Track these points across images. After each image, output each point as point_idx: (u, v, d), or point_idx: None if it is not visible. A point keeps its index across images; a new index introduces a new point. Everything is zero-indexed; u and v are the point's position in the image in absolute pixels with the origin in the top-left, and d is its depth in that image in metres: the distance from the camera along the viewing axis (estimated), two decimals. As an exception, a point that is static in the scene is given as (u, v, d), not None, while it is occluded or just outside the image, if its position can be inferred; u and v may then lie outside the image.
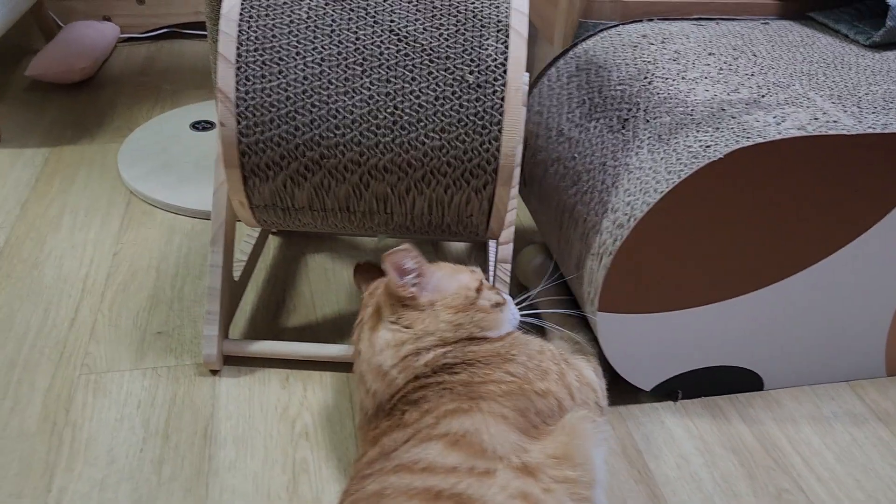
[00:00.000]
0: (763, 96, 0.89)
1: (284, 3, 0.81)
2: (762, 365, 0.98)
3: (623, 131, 0.91)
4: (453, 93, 0.80)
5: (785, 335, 0.96)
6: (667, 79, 0.95)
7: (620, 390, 0.98)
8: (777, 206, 0.84)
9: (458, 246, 1.27)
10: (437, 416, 0.71)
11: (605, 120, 0.95)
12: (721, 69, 0.97)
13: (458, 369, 0.76)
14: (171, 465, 0.87)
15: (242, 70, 0.80)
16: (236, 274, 1.07)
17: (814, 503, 0.86)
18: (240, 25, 0.80)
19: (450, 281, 0.82)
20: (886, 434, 0.96)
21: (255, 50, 0.80)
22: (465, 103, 0.80)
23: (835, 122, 0.83)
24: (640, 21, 1.15)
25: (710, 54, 1.02)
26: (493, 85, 0.80)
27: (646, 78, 0.97)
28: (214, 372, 0.99)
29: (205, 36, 2.06)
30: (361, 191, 0.85)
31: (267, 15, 0.81)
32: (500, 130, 0.81)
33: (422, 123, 0.81)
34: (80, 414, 0.93)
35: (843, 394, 1.02)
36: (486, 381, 0.74)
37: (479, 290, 0.82)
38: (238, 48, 0.80)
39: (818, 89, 0.92)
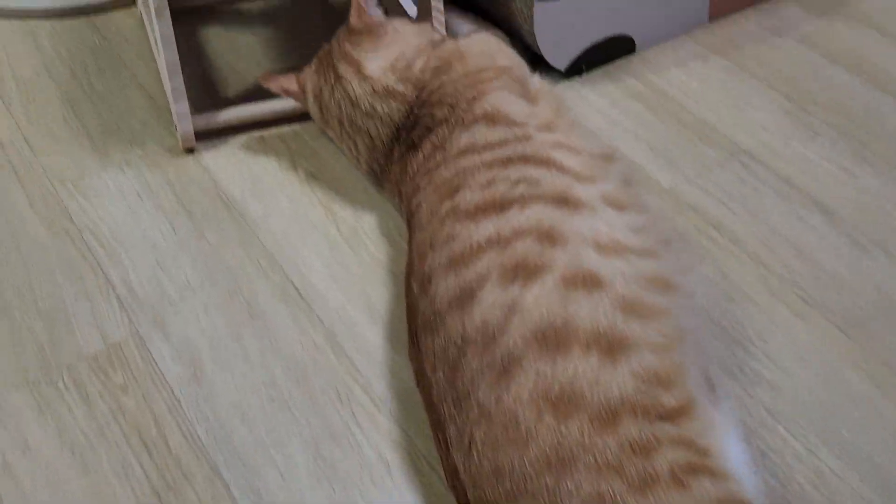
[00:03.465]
0: None
1: None
2: (635, 29, 1.21)
3: None
4: None
5: None
6: None
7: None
8: None
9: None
10: (466, 102, 0.84)
11: None
12: None
13: (446, 69, 0.88)
14: (212, 231, 0.90)
15: None
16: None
17: (701, 118, 1.14)
18: None
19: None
20: (725, 62, 1.26)
21: None
22: None
23: None
24: None
25: None
26: None
27: None
28: (190, 150, 1.00)
29: None
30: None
31: None
32: None
33: None
34: (86, 217, 0.90)
35: (685, 42, 1.29)
36: (477, 70, 0.87)
37: None
38: None
39: None
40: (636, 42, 1.23)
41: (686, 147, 1.09)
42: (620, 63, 1.23)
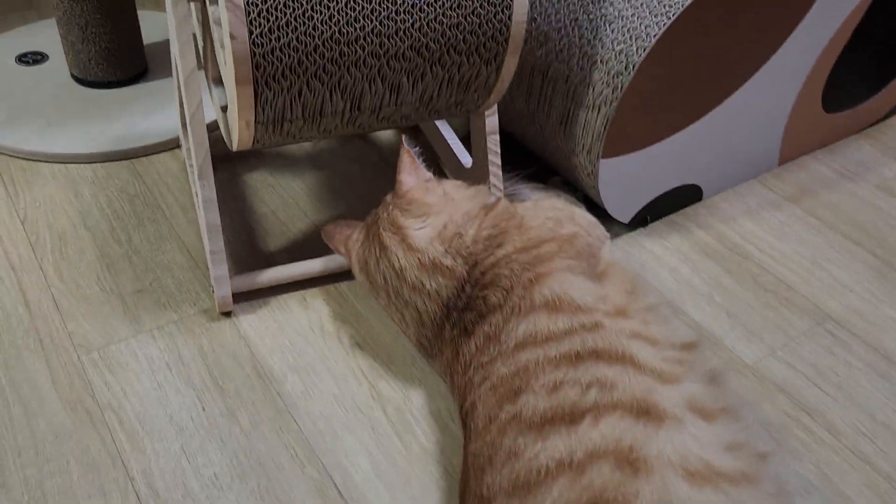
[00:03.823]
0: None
1: None
2: (703, 178, 1.13)
3: (585, -15, 0.95)
4: (465, -34, 0.78)
5: (719, 147, 1.11)
6: (604, -72, 1.00)
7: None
8: (731, 30, 0.95)
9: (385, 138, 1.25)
10: (523, 287, 0.75)
11: (558, -23, 0.98)
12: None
13: (501, 240, 0.80)
14: (245, 413, 0.82)
15: (247, -29, 0.71)
16: (197, 209, 0.98)
17: (780, 278, 1.04)
18: (232, -81, 0.70)
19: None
20: (799, 211, 1.17)
21: (258, -55, 0.71)
22: (477, -25, 0.79)
23: (766, -52, 0.94)
24: None
25: None
26: (502, -48, 0.79)
27: (582, -70, 1.00)
28: (227, 314, 0.93)
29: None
30: (377, 85, 0.82)
31: None
32: (511, -1, 0.81)
33: (439, 2, 0.79)
34: (110, 395, 0.83)
35: (756, 188, 1.21)
36: (536, 243, 0.79)
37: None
38: (237, -54, 0.70)
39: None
40: (703, 190, 1.15)
41: (766, 313, 0.98)
42: (687, 212, 1.15)
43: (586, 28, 0.93)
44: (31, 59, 1.31)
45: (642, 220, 1.11)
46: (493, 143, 0.98)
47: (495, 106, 0.96)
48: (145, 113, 1.21)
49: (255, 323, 0.92)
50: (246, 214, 1.08)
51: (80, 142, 1.14)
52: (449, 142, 1.10)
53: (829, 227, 1.14)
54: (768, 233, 1.12)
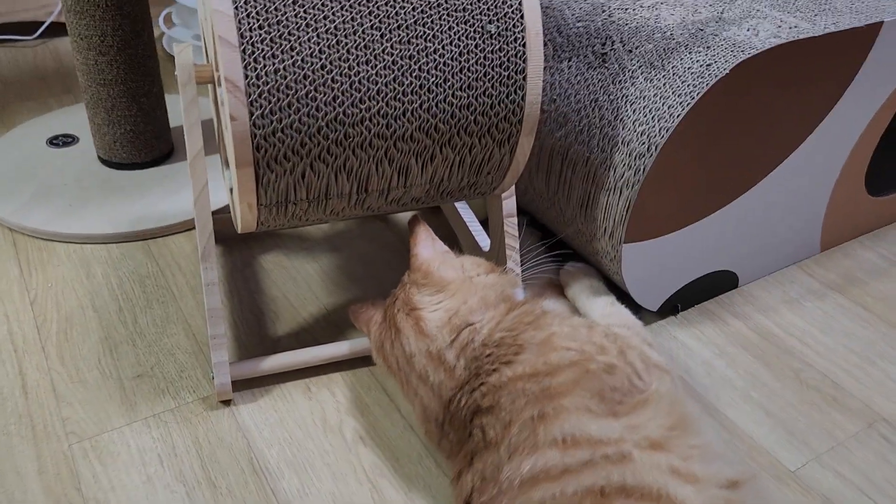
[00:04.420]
0: (722, 13, 0.94)
1: (266, -30, 0.71)
2: (738, 264, 1.07)
3: (605, 65, 0.92)
4: (476, 45, 0.76)
5: (753, 232, 1.05)
6: (626, 9, 0.98)
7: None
8: (761, 112, 0.91)
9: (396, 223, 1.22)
10: (525, 426, 0.64)
11: (578, 58, 0.96)
12: (657, -4, 1.02)
13: (512, 354, 0.70)
14: (235, 512, 0.76)
15: (249, 51, 0.69)
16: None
17: (825, 374, 0.96)
18: (235, 1, 0.69)
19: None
20: (845, 301, 1.09)
21: (260, 27, 0.70)
22: (488, 55, 0.77)
23: (796, 27, 0.90)
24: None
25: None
26: (514, 32, 0.77)
27: (604, 11, 0.98)
28: (226, 402, 0.88)
29: (30, 35, 1.76)
30: (384, 166, 0.79)
31: (250, -14, 0.71)
32: (524, 79, 0.78)
33: (448, 83, 0.76)
34: (96, 488, 0.78)
35: (796, 275, 1.14)
36: (551, 370, 0.68)
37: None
38: (239, 27, 0.69)
39: (761, 0, 1.00)
40: (739, 277, 1.08)
41: (810, 413, 0.90)
42: (722, 300, 1.08)
43: (607, 109, 0.90)
44: (62, 141, 1.33)
45: (672, 308, 1.04)
46: (511, 226, 0.94)
47: (512, 188, 0.92)
48: (164, 194, 1.21)
49: (255, 413, 0.87)
50: (256, 297, 1.05)
51: (98, 222, 1.14)
52: (467, 223, 1.06)
53: (878, 318, 1.05)
54: (811, 324, 1.04)
